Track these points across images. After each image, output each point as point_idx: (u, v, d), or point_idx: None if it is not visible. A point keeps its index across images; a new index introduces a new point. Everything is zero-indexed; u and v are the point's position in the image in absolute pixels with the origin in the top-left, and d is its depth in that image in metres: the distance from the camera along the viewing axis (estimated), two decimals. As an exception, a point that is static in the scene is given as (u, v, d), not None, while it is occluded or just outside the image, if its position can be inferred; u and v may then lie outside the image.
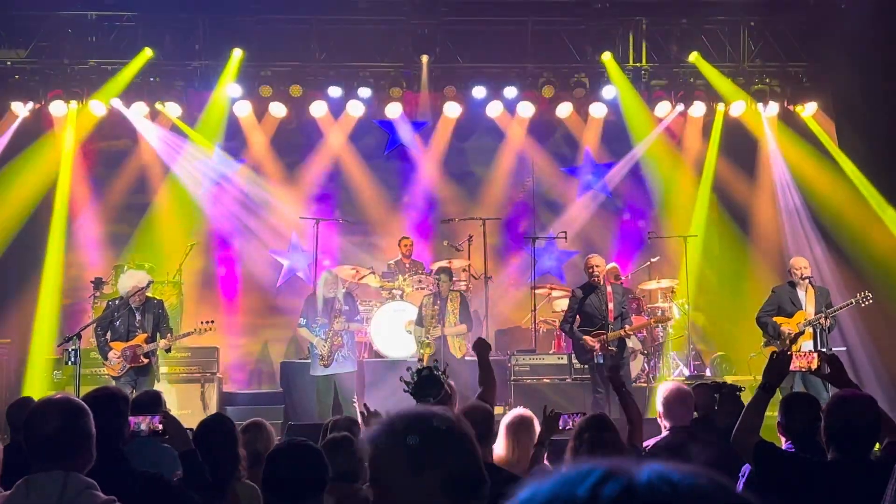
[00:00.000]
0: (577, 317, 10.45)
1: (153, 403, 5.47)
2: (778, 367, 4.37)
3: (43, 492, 3.29)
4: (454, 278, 12.31)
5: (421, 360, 10.62)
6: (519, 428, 5.79)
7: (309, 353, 10.86)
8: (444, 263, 12.62)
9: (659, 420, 5.75)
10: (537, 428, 5.79)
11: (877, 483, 3.48)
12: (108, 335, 9.61)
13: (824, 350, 9.10)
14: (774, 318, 10.02)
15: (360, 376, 11.06)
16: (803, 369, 4.71)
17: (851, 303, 10.01)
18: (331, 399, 10.48)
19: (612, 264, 12.92)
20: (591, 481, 1.09)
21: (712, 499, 1.09)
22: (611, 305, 10.24)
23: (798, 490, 4.00)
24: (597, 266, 10.35)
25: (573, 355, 11.19)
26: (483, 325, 12.92)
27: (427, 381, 5.60)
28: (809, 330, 9.87)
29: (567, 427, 5.30)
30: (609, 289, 10.36)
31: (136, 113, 13.49)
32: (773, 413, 4.68)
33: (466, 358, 10.82)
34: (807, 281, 10.06)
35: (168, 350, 9.97)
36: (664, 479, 1.09)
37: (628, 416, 5.56)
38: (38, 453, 3.37)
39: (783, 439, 4.55)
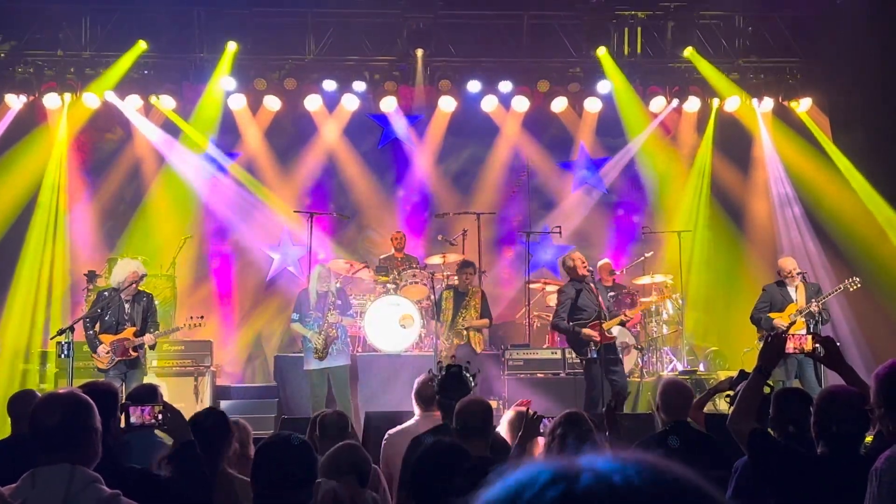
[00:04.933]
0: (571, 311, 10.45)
1: (149, 397, 5.44)
2: (773, 350, 4.36)
3: (49, 484, 3.31)
4: (443, 271, 12.35)
5: (442, 352, 10.80)
6: (521, 424, 5.82)
7: (302, 347, 10.82)
8: (438, 258, 12.63)
9: (656, 414, 5.76)
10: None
11: (865, 478, 3.50)
12: (98, 327, 9.55)
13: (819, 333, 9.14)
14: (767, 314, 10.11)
15: (352, 370, 11.05)
16: (797, 351, 4.69)
17: (840, 288, 10.15)
18: (324, 393, 10.45)
19: (605, 260, 12.95)
20: (533, 489, 1.09)
21: (651, 498, 1.08)
22: (600, 298, 10.27)
23: (788, 482, 4.00)
24: (582, 262, 10.31)
25: (566, 350, 11.20)
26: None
27: (454, 380, 5.70)
28: (802, 320, 9.97)
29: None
30: (592, 285, 10.35)
31: (130, 106, 13.47)
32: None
33: (485, 352, 11.21)
34: (798, 277, 10.14)
35: (152, 347, 9.89)
36: (603, 480, 1.08)
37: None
38: (44, 446, 3.40)
39: (774, 434, 4.55)
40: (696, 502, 1.10)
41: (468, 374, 5.86)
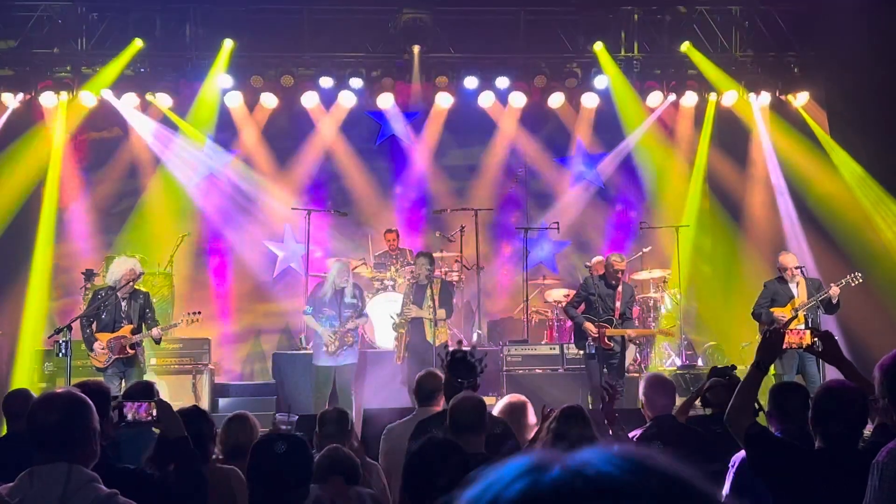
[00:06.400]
0: (583, 304, 10.54)
1: (145, 394, 5.45)
2: (771, 345, 4.34)
3: (47, 483, 3.30)
4: (441, 267, 12.28)
5: (397, 345, 10.69)
6: (512, 414, 5.82)
7: (301, 343, 10.80)
8: (436, 254, 12.61)
9: (643, 411, 5.76)
10: (529, 412, 5.85)
11: (863, 472, 3.48)
12: (94, 325, 9.56)
13: (817, 328, 9.17)
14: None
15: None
16: (794, 346, 4.67)
17: (842, 283, 10.13)
18: (328, 390, 10.44)
19: (598, 257, 12.94)
20: (502, 482, 1.03)
21: (628, 491, 1.00)
22: (618, 304, 10.38)
23: (786, 478, 4.00)
24: (622, 270, 10.45)
25: (564, 346, 11.27)
26: (475, 315, 12.92)
27: (459, 365, 5.68)
28: (803, 314, 9.99)
29: None
30: (620, 288, 10.45)
31: (127, 104, 13.45)
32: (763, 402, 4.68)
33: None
34: (798, 271, 10.16)
35: (158, 341, 9.93)
36: (575, 473, 1.01)
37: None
38: (41, 446, 3.39)
39: (771, 428, 4.55)
40: (680, 496, 1.02)
41: (474, 359, 5.83)
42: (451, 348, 6.10)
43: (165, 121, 13.80)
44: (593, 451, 1.05)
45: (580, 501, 1.00)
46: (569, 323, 11.55)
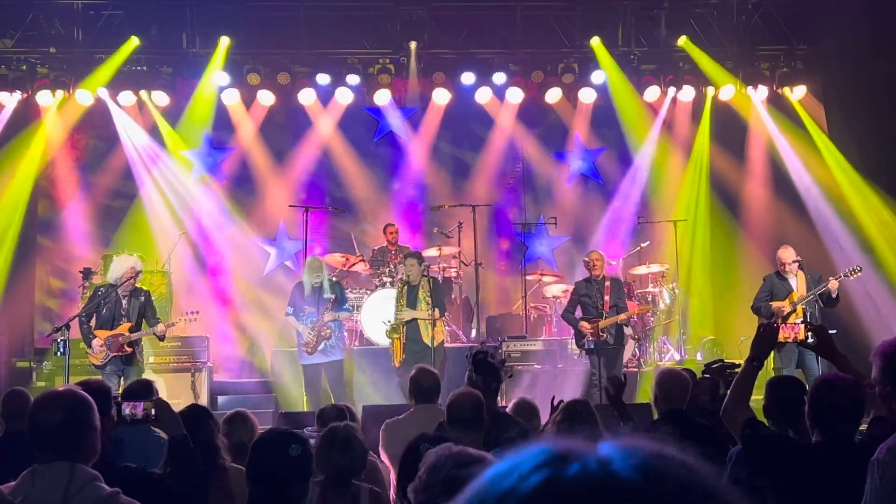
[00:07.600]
0: (578, 308, 10.79)
1: (145, 392, 5.46)
2: (765, 339, 4.35)
3: (49, 483, 3.30)
4: (440, 263, 12.30)
5: (392, 349, 10.68)
6: (522, 415, 5.84)
7: (297, 341, 10.82)
8: (434, 250, 12.63)
9: (653, 405, 5.76)
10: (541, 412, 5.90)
11: (860, 465, 3.48)
12: (93, 322, 9.56)
13: (812, 322, 9.19)
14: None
15: (349, 364, 11.06)
16: (789, 340, 4.68)
17: (841, 276, 10.14)
18: (320, 387, 10.45)
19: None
20: (516, 474, 0.98)
21: (644, 493, 0.96)
22: (607, 297, 10.57)
23: (783, 471, 4.00)
24: (596, 260, 10.69)
25: (567, 342, 11.40)
26: (474, 311, 12.93)
27: (480, 367, 5.69)
28: (802, 308, 10.01)
29: None
30: (608, 283, 10.64)
31: (124, 102, 13.43)
32: (759, 396, 4.69)
33: (446, 345, 10.86)
34: (796, 265, 10.17)
35: (162, 338, 9.93)
36: (595, 469, 0.97)
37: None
38: (43, 445, 3.39)
39: (768, 421, 4.55)
40: (698, 499, 0.98)
41: (493, 360, 5.84)
42: (474, 350, 6.08)
43: (163, 118, 13.78)
44: (612, 447, 1.00)
45: (598, 501, 0.96)
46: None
